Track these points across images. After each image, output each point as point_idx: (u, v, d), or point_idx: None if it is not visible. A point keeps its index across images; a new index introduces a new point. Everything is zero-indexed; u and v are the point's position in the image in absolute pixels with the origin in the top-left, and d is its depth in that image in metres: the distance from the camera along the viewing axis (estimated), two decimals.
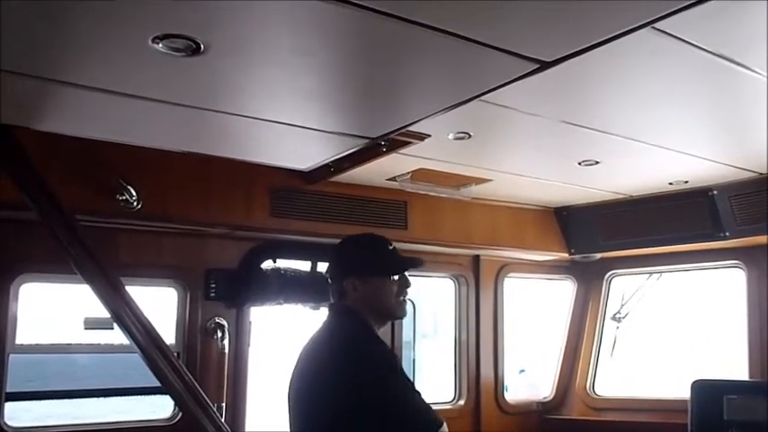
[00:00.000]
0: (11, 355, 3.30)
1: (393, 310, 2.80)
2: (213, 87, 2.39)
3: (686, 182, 4.06)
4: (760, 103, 2.66)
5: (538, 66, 2.15)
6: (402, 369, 2.69)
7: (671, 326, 6.78)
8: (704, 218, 4.22)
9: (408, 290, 2.83)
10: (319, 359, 2.65)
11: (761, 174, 3.84)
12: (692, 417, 4.15)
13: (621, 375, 5.77)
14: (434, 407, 2.62)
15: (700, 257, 4.68)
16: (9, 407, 3.33)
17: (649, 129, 3.08)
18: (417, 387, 2.63)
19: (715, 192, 4.12)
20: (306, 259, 4.04)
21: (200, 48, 1.99)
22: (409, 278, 2.83)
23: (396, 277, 2.79)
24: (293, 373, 2.69)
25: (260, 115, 2.66)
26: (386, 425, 2.47)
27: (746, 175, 3.87)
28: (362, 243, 2.91)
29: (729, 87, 2.56)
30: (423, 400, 2.61)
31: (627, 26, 1.91)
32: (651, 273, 5.11)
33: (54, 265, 3.14)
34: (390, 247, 2.84)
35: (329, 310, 2.81)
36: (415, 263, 2.88)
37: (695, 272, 5.07)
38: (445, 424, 2.56)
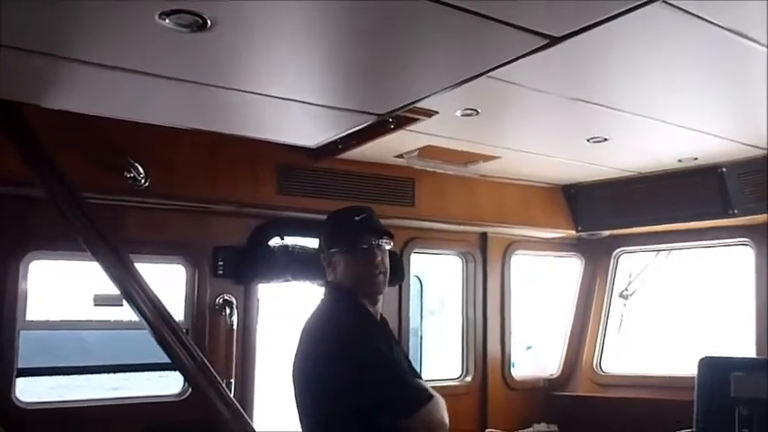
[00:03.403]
0: (21, 332, 3.33)
1: (364, 286, 2.70)
2: (220, 63, 2.38)
3: (695, 159, 4.04)
4: None
5: (547, 41, 2.13)
6: (387, 347, 2.68)
7: (679, 303, 6.78)
8: (713, 195, 4.21)
9: (380, 263, 2.68)
10: (309, 341, 2.68)
11: None
12: (698, 393, 4.15)
13: (628, 353, 5.79)
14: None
15: (708, 235, 4.66)
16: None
17: (659, 105, 3.05)
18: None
19: (724, 169, 4.10)
20: (313, 236, 4.04)
21: (207, 23, 1.98)
22: (380, 251, 2.69)
23: (365, 249, 2.68)
24: (296, 351, 2.72)
25: (267, 91, 2.65)
26: (372, 404, 2.49)
27: (756, 152, 3.83)
28: (331, 217, 2.87)
29: (741, 63, 2.53)
30: (410, 377, 2.63)
31: (637, 0, 1.89)
32: (659, 250, 5.10)
33: (63, 242, 3.16)
34: (357, 218, 2.73)
35: (325, 287, 2.83)
36: (374, 234, 2.72)
37: (703, 249, 5.06)
38: (437, 398, 2.55)
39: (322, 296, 2.81)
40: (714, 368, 4.17)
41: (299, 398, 2.68)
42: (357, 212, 2.78)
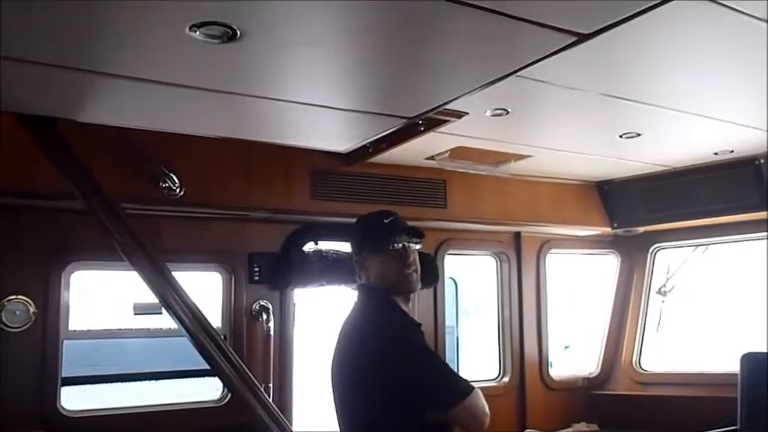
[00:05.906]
0: (65, 341, 3.40)
1: (398, 285, 2.75)
2: (250, 73, 2.41)
3: (731, 151, 3.97)
4: None
5: (575, 39, 2.12)
6: (423, 341, 2.70)
7: (719, 298, 6.67)
8: (751, 188, 4.13)
9: (412, 262, 2.75)
10: (351, 342, 2.72)
11: None
12: (741, 390, 4.08)
13: (668, 350, 5.70)
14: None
15: (745, 228, 4.57)
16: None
17: (692, 98, 3.01)
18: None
19: (762, 161, 4.03)
20: (347, 240, 4.05)
21: (237, 34, 2.01)
22: (411, 250, 2.76)
23: (397, 249, 2.73)
24: (334, 353, 2.75)
25: (297, 98, 2.68)
26: (421, 398, 2.52)
27: None
28: (360, 222, 2.93)
29: None
30: (449, 369, 2.68)
31: None
32: (696, 245, 5.03)
33: (102, 252, 3.21)
34: (386, 221, 2.80)
35: (357, 290, 2.87)
36: (405, 234, 2.78)
37: (742, 243, 4.96)
38: (477, 390, 2.58)
39: (356, 299, 2.84)
40: (757, 364, 4.10)
41: (344, 399, 2.69)
42: (386, 215, 2.85)
